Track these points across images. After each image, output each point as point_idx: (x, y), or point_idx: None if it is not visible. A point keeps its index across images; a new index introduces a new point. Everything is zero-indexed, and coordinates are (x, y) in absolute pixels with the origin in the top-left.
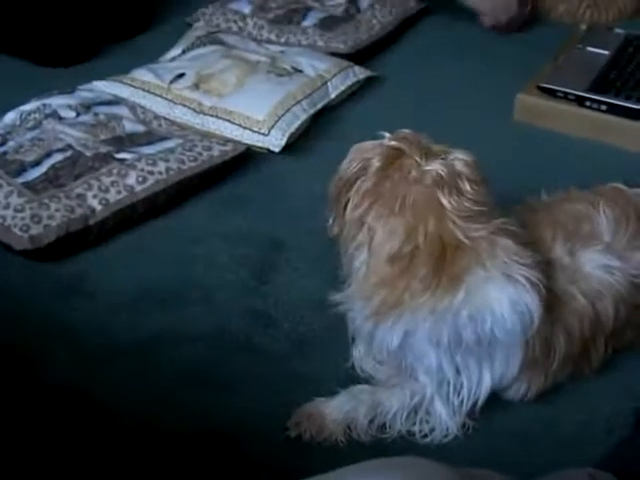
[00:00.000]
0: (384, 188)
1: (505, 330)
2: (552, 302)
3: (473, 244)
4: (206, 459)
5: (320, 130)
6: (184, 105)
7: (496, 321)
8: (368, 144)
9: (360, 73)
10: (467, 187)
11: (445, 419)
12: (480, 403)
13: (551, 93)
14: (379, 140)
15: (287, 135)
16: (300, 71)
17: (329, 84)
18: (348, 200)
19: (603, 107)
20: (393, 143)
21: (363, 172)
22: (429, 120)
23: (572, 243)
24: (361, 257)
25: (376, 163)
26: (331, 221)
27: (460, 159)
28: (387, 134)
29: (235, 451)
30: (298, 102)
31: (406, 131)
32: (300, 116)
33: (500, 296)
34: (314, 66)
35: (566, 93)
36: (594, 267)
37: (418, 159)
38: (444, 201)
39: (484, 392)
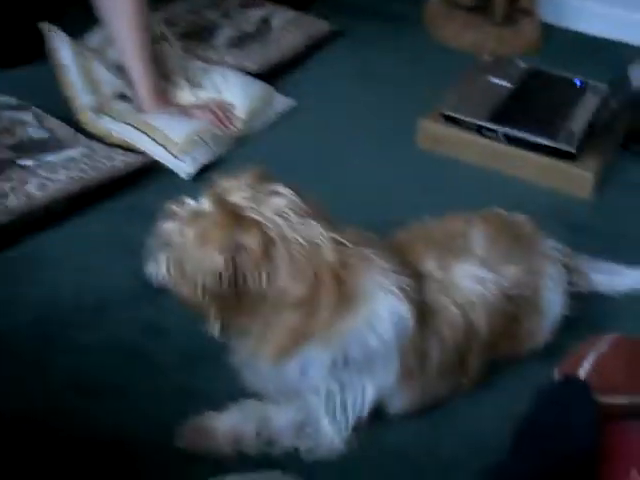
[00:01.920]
0: (268, 242)
1: (383, 341)
2: (425, 313)
3: (350, 268)
4: (96, 465)
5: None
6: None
7: (377, 335)
8: (207, 233)
9: (281, 104)
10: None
11: (331, 435)
12: (365, 416)
13: (454, 121)
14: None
15: (199, 165)
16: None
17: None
18: (236, 284)
19: (501, 137)
20: (221, 210)
21: (237, 251)
22: (334, 143)
23: (444, 257)
24: (257, 315)
25: (243, 233)
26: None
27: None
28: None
29: (125, 458)
30: (215, 134)
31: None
32: (214, 151)
33: (378, 311)
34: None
35: (467, 122)
36: (466, 279)
37: (251, 202)
38: (315, 224)
39: (367, 405)
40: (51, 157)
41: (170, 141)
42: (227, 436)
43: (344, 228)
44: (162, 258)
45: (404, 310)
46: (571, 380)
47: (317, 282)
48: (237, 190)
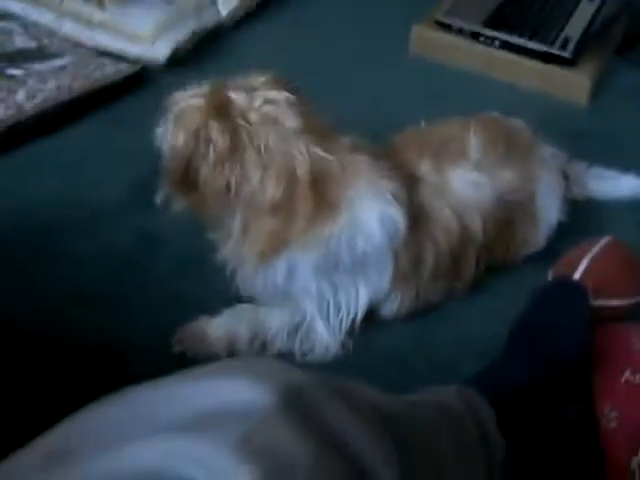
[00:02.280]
0: (238, 144)
1: (374, 245)
2: (419, 216)
3: (334, 164)
4: (94, 372)
5: (212, 53)
6: (74, 19)
7: (367, 239)
8: (187, 110)
9: None
10: (292, 110)
11: (325, 338)
12: (358, 320)
13: (447, 27)
14: (188, 99)
15: (171, 45)
16: None
17: (219, 1)
18: (196, 173)
19: (496, 43)
20: (210, 100)
21: (205, 142)
22: (326, 49)
23: (439, 161)
24: (235, 217)
25: (215, 126)
26: (173, 202)
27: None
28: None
29: (122, 365)
30: (186, 18)
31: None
32: (187, 31)
33: (369, 214)
34: None
35: (461, 28)
36: (461, 183)
37: (244, 103)
38: (295, 137)
39: (361, 308)
40: (40, 66)
41: (138, 35)
42: (221, 340)
43: (340, 136)
44: (164, 124)
45: (395, 213)
46: (565, 282)
47: (291, 191)
48: (237, 89)
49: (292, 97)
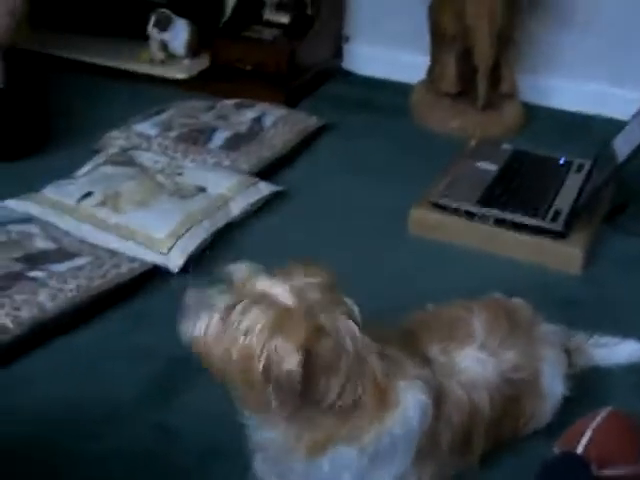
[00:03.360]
0: (335, 357)
1: (410, 430)
2: (435, 396)
3: (386, 367)
4: None
5: (224, 244)
6: (91, 223)
7: (405, 426)
8: (285, 325)
9: (265, 189)
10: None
11: None
12: None
13: (443, 208)
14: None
15: (186, 255)
16: (203, 190)
17: (232, 203)
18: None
19: (490, 220)
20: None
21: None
22: (329, 234)
23: (447, 343)
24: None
25: (324, 347)
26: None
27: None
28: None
29: None
30: (199, 222)
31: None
32: (200, 235)
33: (407, 404)
34: (218, 184)
35: (457, 208)
36: (468, 362)
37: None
38: (367, 341)
39: None
40: (59, 266)
41: (154, 240)
42: None
43: (366, 325)
44: (203, 319)
45: (427, 403)
46: (569, 455)
47: (362, 391)
48: (310, 290)
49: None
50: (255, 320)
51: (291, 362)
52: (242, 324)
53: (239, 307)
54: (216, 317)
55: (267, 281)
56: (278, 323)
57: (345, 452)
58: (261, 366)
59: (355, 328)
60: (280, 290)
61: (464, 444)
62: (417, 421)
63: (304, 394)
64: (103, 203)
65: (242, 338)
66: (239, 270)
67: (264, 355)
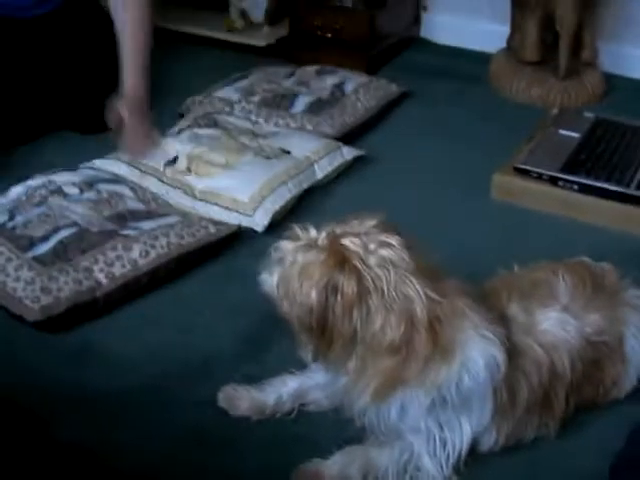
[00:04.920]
0: (363, 290)
1: (478, 383)
2: (511, 351)
3: (445, 307)
4: None
5: (306, 208)
6: (177, 188)
7: (472, 378)
8: (310, 266)
9: (347, 154)
10: (406, 251)
11: (433, 473)
12: (464, 455)
13: (526, 173)
14: (305, 252)
15: (270, 215)
16: (288, 152)
17: (316, 165)
18: (326, 322)
19: (575, 187)
20: (330, 250)
21: (333, 293)
22: (412, 198)
23: (529, 303)
24: (353, 355)
25: (341, 276)
26: (308, 349)
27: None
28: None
29: None
30: (284, 183)
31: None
32: (285, 196)
33: (475, 354)
34: (302, 147)
35: (540, 173)
36: (550, 324)
37: (360, 248)
38: (413, 280)
39: (466, 443)
40: (150, 224)
41: (239, 203)
42: (335, 479)
43: (445, 279)
44: (274, 272)
45: (497, 353)
46: None
47: (410, 333)
48: (352, 235)
49: (403, 240)
50: (295, 265)
51: (309, 299)
52: (292, 270)
53: (289, 258)
54: (278, 270)
55: (313, 230)
56: (305, 265)
57: (410, 396)
58: (296, 308)
59: (397, 257)
60: (323, 235)
61: (543, 406)
62: (486, 374)
63: (334, 329)
64: (189, 169)
65: (290, 283)
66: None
67: (296, 296)
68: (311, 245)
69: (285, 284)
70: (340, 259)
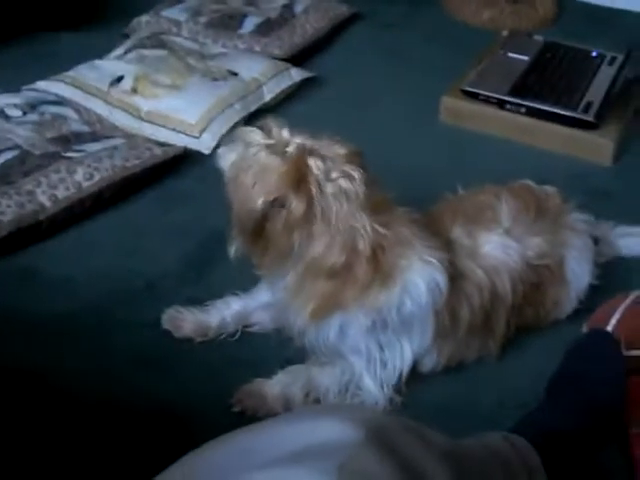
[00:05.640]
0: (310, 214)
1: (420, 306)
2: (454, 275)
3: (390, 238)
4: (157, 434)
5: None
6: (123, 109)
7: (415, 302)
8: (268, 172)
9: (296, 75)
10: (363, 187)
11: (374, 393)
12: (404, 375)
13: (474, 96)
14: (269, 154)
15: (218, 137)
16: (235, 74)
17: (264, 87)
18: (263, 226)
19: (522, 110)
20: (291, 167)
21: (279, 203)
22: (360, 121)
23: (471, 226)
24: (292, 272)
25: (294, 196)
26: (235, 245)
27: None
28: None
29: (181, 424)
30: (231, 105)
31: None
32: (232, 118)
33: (417, 279)
34: (250, 69)
35: (488, 96)
36: (492, 247)
37: (322, 173)
38: (363, 216)
39: (407, 364)
40: (95, 146)
41: (186, 124)
42: (278, 398)
43: (394, 209)
44: (233, 152)
45: (440, 278)
46: (599, 333)
47: (351, 261)
48: (319, 156)
49: (364, 174)
50: (255, 162)
51: (252, 204)
52: (250, 164)
53: (253, 149)
54: (239, 151)
55: (287, 133)
56: (264, 168)
57: (349, 318)
58: (238, 201)
59: (353, 191)
60: (292, 141)
61: (485, 327)
62: (428, 297)
63: (272, 240)
64: (134, 90)
65: (244, 177)
66: (272, 122)
67: (243, 192)
68: (278, 149)
69: (238, 173)
70: (298, 177)
